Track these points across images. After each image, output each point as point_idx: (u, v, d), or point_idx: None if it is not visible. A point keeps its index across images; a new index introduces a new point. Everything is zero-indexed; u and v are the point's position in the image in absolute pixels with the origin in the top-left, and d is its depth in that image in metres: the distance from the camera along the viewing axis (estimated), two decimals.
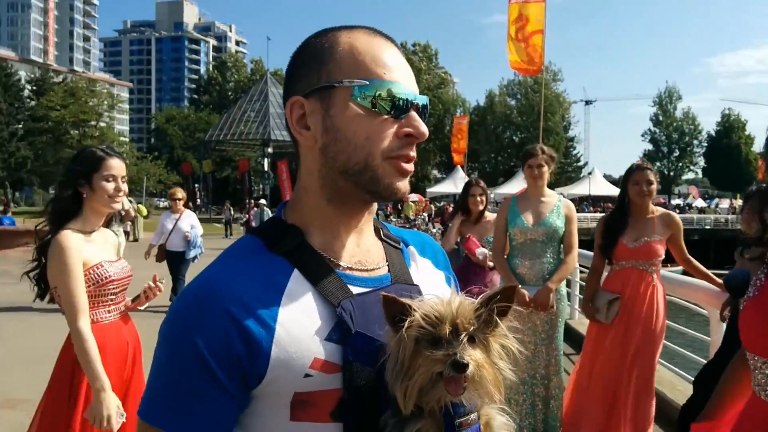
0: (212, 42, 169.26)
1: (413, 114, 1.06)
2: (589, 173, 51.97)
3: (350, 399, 0.98)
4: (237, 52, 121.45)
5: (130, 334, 3.03)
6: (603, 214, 5.22)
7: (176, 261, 9.87)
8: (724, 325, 4.14)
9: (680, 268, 4.84)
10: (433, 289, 1.12)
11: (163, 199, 67.09)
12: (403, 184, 1.09)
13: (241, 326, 0.95)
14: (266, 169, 45.52)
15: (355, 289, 1.06)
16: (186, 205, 10.26)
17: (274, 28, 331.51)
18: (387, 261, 1.16)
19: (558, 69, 67.61)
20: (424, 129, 1.07)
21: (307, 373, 0.97)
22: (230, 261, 1.07)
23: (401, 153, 1.05)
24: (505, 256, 4.68)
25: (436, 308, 0.94)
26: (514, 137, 66.67)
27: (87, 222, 2.91)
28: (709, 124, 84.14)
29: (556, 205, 4.59)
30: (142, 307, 3.23)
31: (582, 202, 45.45)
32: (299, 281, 1.03)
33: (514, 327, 1.01)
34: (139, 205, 26.33)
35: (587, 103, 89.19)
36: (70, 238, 2.77)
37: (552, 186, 4.80)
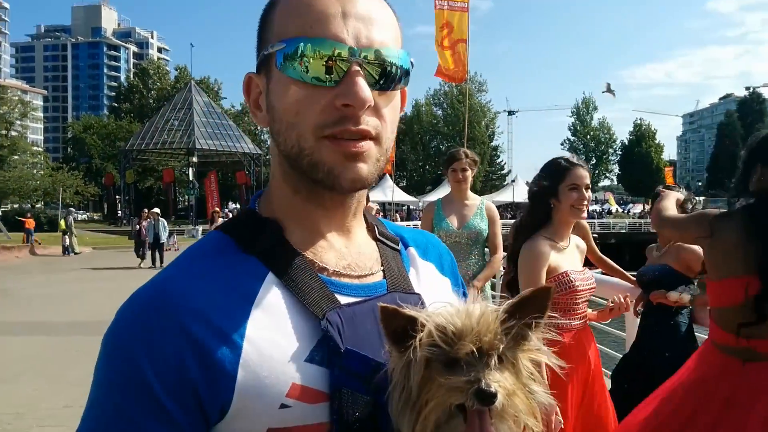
0: (133, 48, 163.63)
1: (351, 74, 0.84)
2: (513, 181, 53.60)
3: None
4: (159, 59, 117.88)
5: (588, 341, 3.23)
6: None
7: None
8: (638, 320, 4.33)
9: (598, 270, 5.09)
10: (437, 298, 0.91)
11: (81, 212, 64.16)
12: (352, 171, 0.86)
13: (198, 345, 0.78)
14: (191, 179, 44.43)
15: (343, 299, 0.88)
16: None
17: (199, 35, 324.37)
18: (382, 265, 0.98)
19: (483, 80, 69.57)
20: (364, 94, 0.83)
21: (284, 403, 0.79)
22: (190, 262, 0.88)
23: (337, 129, 0.85)
24: None
25: (452, 321, 0.75)
26: (441, 146, 67.89)
27: (557, 232, 3.12)
28: (622, 133, 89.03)
29: (479, 207, 4.76)
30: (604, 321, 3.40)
31: (506, 209, 46.76)
32: (274, 287, 0.85)
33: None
34: (62, 221, 25.54)
35: (510, 113, 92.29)
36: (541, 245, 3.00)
37: (477, 193, 4.96)
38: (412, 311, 0.78)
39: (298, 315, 0.84)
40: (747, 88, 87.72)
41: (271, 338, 0.81)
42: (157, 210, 21.87)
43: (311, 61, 0.83)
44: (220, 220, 20.92)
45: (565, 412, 2.88)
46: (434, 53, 9.85)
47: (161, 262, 20.15)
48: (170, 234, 27.66)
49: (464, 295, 1.05)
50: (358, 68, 0.84)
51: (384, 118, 0.89)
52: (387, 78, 0.87)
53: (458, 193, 4.79)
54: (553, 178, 3.13)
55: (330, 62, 0.83)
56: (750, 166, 2.66)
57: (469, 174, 4.76)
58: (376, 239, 1.02)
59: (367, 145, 0.87)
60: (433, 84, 71.94)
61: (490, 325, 0.75)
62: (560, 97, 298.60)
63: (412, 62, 0.91)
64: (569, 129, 75.24)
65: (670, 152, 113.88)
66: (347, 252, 0.95)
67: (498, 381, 0.73)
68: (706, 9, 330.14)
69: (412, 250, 1.07)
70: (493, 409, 0.73)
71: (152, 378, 0.76)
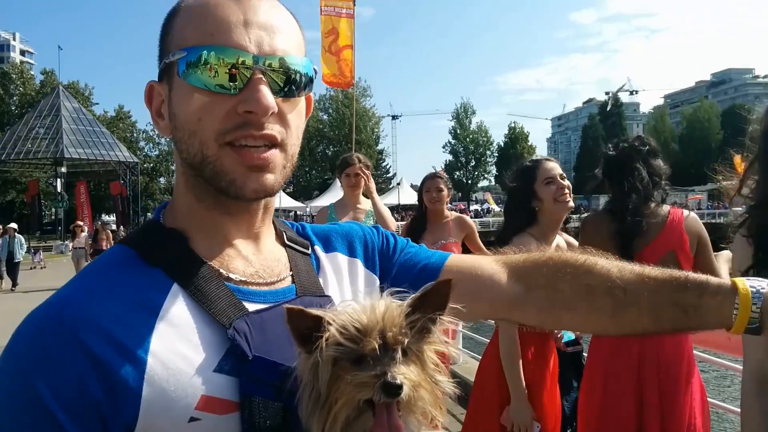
0: None
1: (254, 82, 0.84)
2: (398, 184, 54.73)
3: None
4: (22, 62, 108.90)
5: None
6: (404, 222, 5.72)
7: None
8: None
9: None
10: (348, 288, 0.97)
11: None
12: (255, 181, 0.86)
13: (100, 362, 0.75)
14: (59, 190, 41.38)
15: (251, 306, 0.87)
16: None
17: (67, 37, 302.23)
18: (291, 270, 0.97)
19: (367, 85, 70.30)
20: (267, 101, 0.84)
21: (193, 417, 0.77)
22: (91, 277, 0.85)
23: (237, 135, 0.85)
24: None
25: (358, 318, 0.76)
26: (327, 151, 67.98)
27: (543, 233, 2.97)
28: (498, 136, 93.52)
29: (370, 210, 4.88)
30: None
31: (392, 212, 47.70)
32: (180, 299, 0.83)
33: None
34: None
35: (394, 117, 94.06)
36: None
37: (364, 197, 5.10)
38: (318, 311, 0.77)
39: (204, 325, 0.82)
40: (606, 93, 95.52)
41: (178, 350, 0.79)
42: (14, 225, 19.45)
43: (214, 69, 0.83)
44: (83, 235, 19.04)
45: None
46: (320, 58, 9.89)
47: (14, 283, 18.06)
48: (36, 251, 25.44)
49: (390, 245, 1.12)
50: (260, 76, 0.85)
51: (288, 125, 0.90)
52: (291, 85, 0.88)
53: (352, 197, 4.89)
54: (525, 180, 3.02)
55: (233, 70, 0.83)
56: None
57: (362, 179, 4.87)
58: (285, 245, 1.01)
59: (272, 155, 0.87)
60: (318, 89, 71.81)
61: (395, 319, 0.76)
62: (441, 101, 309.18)
63: (315, 69, 0.93)
64: (450, 132, 77.94)
65: (541, 153, 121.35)
66: (255, 259, 0.95)
67: (403, 373, 0.73)
68: (569, 20, 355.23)
69: (317, 248, 1.07)
70: (401, 401, 0.73)
71: (50, 400, 0.73)
